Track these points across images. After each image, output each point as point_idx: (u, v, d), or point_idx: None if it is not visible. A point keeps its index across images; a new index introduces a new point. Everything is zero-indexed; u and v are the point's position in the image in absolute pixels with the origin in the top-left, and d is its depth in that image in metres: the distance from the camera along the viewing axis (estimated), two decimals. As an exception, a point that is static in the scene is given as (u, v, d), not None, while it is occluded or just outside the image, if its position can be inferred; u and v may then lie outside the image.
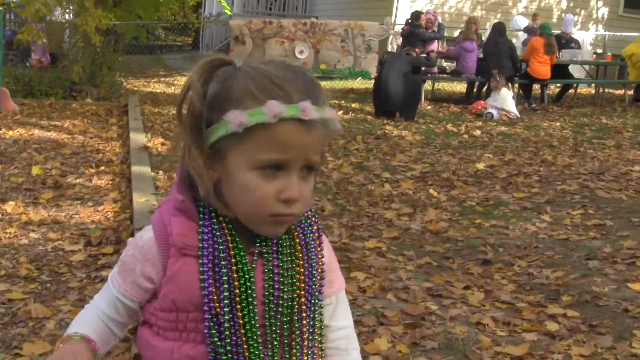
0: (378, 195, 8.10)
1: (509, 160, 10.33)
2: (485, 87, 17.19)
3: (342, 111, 15.22)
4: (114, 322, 1.90)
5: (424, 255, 6.14)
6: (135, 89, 18.81)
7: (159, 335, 1.82)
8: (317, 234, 1.86)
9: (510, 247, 6.39)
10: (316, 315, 1.84)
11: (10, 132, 11.43)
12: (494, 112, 15.09)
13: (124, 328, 1.95)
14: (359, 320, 4.68)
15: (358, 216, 7.24)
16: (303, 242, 1.83)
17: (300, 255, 1.81)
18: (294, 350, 1.80)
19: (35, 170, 8.79)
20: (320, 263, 1.85)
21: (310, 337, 1.83)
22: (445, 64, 20.97)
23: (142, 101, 15.50)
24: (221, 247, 1.76)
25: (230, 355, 1.75)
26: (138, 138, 10.73)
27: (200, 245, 1.76)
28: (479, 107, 15.62)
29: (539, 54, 16.80)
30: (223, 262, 1.75)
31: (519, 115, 15.21)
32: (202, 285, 1.75)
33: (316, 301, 1.84)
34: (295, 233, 1.82)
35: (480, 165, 9.86)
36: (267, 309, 1.77)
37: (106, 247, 6.18)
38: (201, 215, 1.78)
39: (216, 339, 1.75)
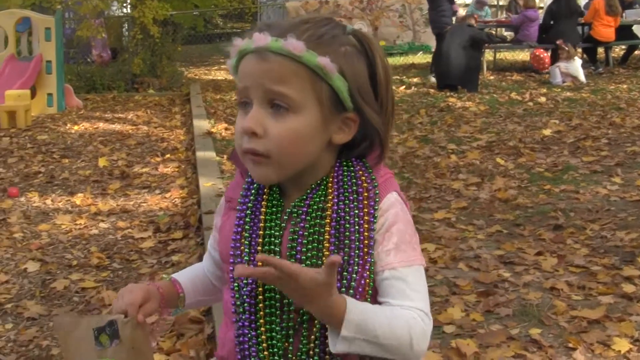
0: (444, 166, 8.04)
1: (576, 125, 10.19)
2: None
3: (404, 86, 15.14)
4: (212, 273, 2.02)
5: (494, 223, 6.06)
6: (197, 77, 18.90)
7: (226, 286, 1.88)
8: (367, 201, 1.72)
9: (582, 211, 6.29)
10: (344, 284, 1.68)
11: (76, 127, 11.55)
12: (560, 79, 14.88)
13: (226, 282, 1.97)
14: (432, 291, 4.62)
15: (425, 188, 7.19)
16: (336, 207, 1.72)
17: (329, 221, 1.70)
18: (312, 318, 1.69)
19: (101, 162, 8.87)
20: (361, 230, 1.70)
21: None
22: (505, 33, 20.74)
23: (203, 89, 15.57)
24: (253, 201, 1.78)
25: (245, 306, 1.73)
26: (201, 124, 10.78)
27: (240, 199, 1.80)
28: (546, 60, 15.51)
29: (601, 15, 16.50)
30: (252, 217, 1.76)
31: (585, 81, 14.95)
32: (232, 234, 1.78)
33: (348, 268, 1.68)
34: (330, 197, 1.73)
35: (547, 132, 9.74)
36: None
37: (175, 232, 6.20)
38: (249, 172, 1.79)
39: (236, 284, 1.76)
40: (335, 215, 1.71)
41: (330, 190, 1.74)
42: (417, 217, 6.23)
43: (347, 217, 1.71)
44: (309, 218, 1.72)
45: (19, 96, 11.84)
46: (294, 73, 1.65)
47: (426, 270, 5.00)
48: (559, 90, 14.10)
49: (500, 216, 6.25)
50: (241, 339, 1.75)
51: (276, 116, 1.65)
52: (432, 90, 14.59)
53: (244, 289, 1.74)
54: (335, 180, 1.75)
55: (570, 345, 3.93)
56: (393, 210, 1.74)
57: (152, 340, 1.88)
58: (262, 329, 1.72)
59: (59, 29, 13.69)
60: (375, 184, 1.75)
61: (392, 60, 20.35)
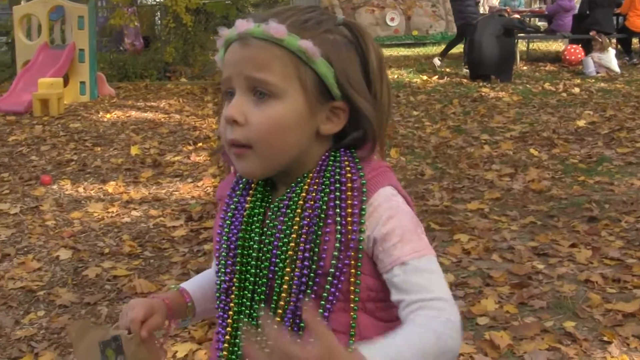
0: (478, 157, 7.99)
1: (610, 116, 10.10)
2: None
3: (436, 76, 15.07)
4: None
5: (528, 214, 6.01)
6: (229, 66, 18.91)
7: None
8: (350, 192, 1.61)
9: (617, 203, 6.23)
10: (307, 285, 1.60)
11: (108, 115, 11.60)
12: (593, 69, 14.76)
13: None
14: (465, 282, 4.61)
15: (458, 179, 7.15)
16: (311, 198, 1.62)
17: (298, 214, 1.63)
18: (276, 315, 1.62)
19: (134, 151, 8.90)
20: (344, 222, 1.59)
21: (294, 307, 1.60)
22: (539, 23, 20.59)
23: (236, 78, 15.54)
24: (239, 196, 1.73)
25: (223, 303, 1.70)
26: (233, 114, 10.76)
27: (227, 197, 1.75)
28: (578, 55, 15.36)
29: (637, 6, 16.32)
30: (234, 212, 1.71)
31: (619, 72, 14.82)
32: (218, 230, 1.74)
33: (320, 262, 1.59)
34: (306, 186, 1.65)
35: (581, 123, 9.66)
36: (262, 265, 1.65)
37: (207, 221, 6.20)
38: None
39: (219, 281, 1.70)
40: (310, 205, 1.63)
41: (309, 181, 1.65)
42: (450, 207, 6.21)
43: (324, 207, 1.62)
44: (288, 211, 1.64)
45: (52, 84, 11.90)
46: (276, 57, 1.59)
47: (459, 261, 4.99)
48: (593, 80, 13.99)
49: (534, 207, 6.20)
50: (216, 336, 1.72)
51: (258, 103, 1.59)
52: (464, 80, 14.52)
53: (222, 286, 1.70)
54: (318, 169, 1.66)
55: (605, 338, 3.89)
56: (387, 204, 1.62)
57: (163, 356, 1.85)
58: (229, 328, 1.68)
59: (92, 17, 13.74)
60: (362, 174, 1.63)
61: (424, 50, 20.28)
